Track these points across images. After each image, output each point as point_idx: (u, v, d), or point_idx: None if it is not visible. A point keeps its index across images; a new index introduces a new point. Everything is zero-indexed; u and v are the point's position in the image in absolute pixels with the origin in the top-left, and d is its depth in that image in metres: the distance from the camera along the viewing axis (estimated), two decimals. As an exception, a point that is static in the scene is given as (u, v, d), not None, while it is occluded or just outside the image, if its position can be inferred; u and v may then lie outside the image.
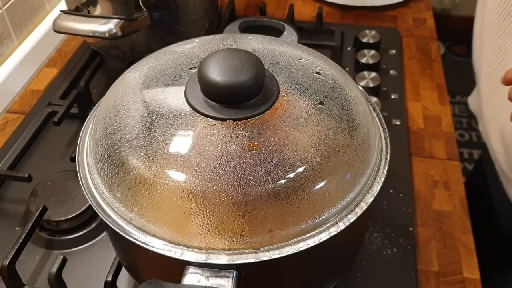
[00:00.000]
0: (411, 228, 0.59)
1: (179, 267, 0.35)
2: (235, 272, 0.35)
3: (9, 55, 0.82)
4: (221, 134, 0.36)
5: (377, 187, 0.39)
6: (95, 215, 0.59)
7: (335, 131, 0.38)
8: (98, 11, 0.70)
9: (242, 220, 0.34)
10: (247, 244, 0.35)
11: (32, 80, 0.83)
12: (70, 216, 0.58)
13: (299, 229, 0.35)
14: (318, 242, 0.35)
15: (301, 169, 0.35)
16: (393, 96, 0.77)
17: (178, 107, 0.38)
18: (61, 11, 0.67)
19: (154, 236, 0.36)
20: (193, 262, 0.35)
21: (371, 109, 0.45)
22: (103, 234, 0.59)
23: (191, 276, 0.35)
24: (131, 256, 0.44)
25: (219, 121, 0.37)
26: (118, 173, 0.37)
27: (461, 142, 1.86)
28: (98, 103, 0.45)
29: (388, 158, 0.41)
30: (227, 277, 0.35)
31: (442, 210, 0.62)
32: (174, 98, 0.39)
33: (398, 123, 0.72)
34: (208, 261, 0.35)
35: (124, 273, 0.51)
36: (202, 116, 0.37)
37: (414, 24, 0.95)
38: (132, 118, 0.39)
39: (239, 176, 0.34)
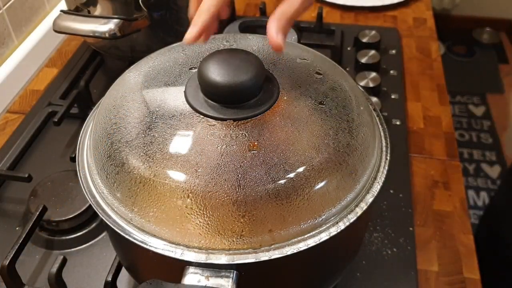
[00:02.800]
0: (411, 228, 0.59)
1: (179, 267, 0.35)
2: (235, 272, 0.35)
3: (9, 55, 0.82)
4: (221, 134, 0.36)
5: (377, 187, 0.39)
6: (95, 215, 0.59)
7: (335, 131, 0.38)
8: (98, 11, 0.70)
9: (242, 220, 0.34)
10: (247, 244, 0.35)
11: (32, 80, 0.83)
12: (70, 216, 0.58)
13: (299, 229, 0.35)
14: (318, 242, 0.35)
15: (301, 169, 0.35)
16: (393, 96, 0.77)
17: (178, 107, 0.38)
18: (61, 11, 0.67)
19: (154, 236, 0.36)
20: (193, 262, 0.35)
21: (371, 109, 0.45)
22: (103, 234, 0.59)
23: (191, 276, 0.35)
24: (131, 256, 0.44)
25: (219, 121, 0.37)
26: (118, 173, 0.37)
27: (461, 142, 1.86)
28: (98, 103, 0.45)
29: (388, 158, 0.41)
30: (227, 277, 0.35)
31: (442, 210, 0.62)
32: (174, 98, 0.39)
33: (398, 123, 0.72)
34: (208, 261, 0.35)
35: (124, 273, 0.51)
36: (202, 116, 0.37)
37: (414, 24, 0.95)
38: (132, 118, 0.39)
39: (239, 176, 0.34)
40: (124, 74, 0.45)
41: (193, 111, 0.38)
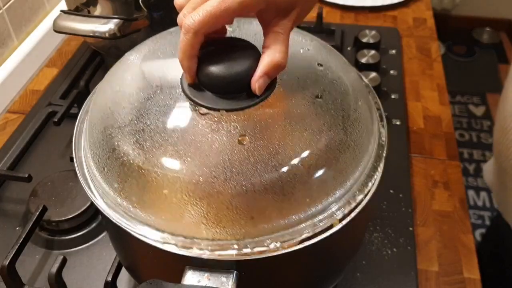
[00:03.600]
0: (411, 228, 0.59)
1: (179, 267, 0.35)
2: (235, 272, 0.35)
3: (9, 55, 0.82)
4: (212, 124, 0.36)
5: (369, 185, 0.38)
6: (95, 215, 0.59)
7: (329, 127, 0.37)
8: (98, 11, 0.70)
9: (225, 213, 0.34)
10: (230, 236, 0.34)
11: (32, 80, 0.83)
12: (70, 216, 0.58)
13: (283, 224, 0.35)
14: (315, 241, 0.35)
15: (289, 165, 0.35)
16: (393, 96, 0.77)
17: (173, 94, 0.38)
18: (61, 11, 0.67)
19: (140, 222, 0.36)
20: (192, 261, 0.35)
21: (373, 103, 0.44)
22: (103, 234, 0.59)
23: (191, 276, 0.35)
24: (131, 255, 0.44)
25: (211, 111, 0.36)
26: (108, 158, 0.37)
27: (461, 142, 1.86)
28: (97, 86, 0.45)
29: (385, 154, 0.40)
30: (227, 277, 0.35)
31: (442, 210, 0.62)
32: (170, 85, 0.39)
33: (398, 123, 0.72)
34: (210, 258, 0.34)
35: (124, 273, 0.51)
36: (195, 105, 0.37)
37: (414, 24, 0.95)
38: (126, 103, 0.39)
39: (226, 168, 0.34)
40: (124, 57, 0.44)
41: (187, 99, 0.37)
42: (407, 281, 0.54)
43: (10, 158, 0.67)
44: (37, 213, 0.56)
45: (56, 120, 0.69)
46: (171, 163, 0.35)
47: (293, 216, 0.35)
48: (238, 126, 0.36)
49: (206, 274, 0.35)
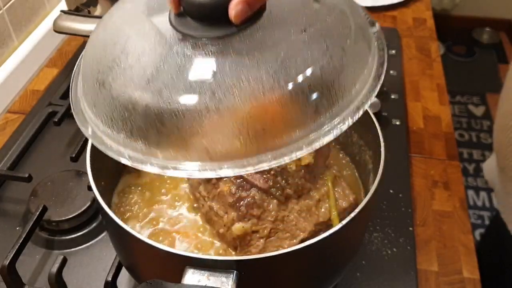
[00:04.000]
0: (411, 228, 0.59)
1: (179, 267, 0.35)
2: (235, 271, 0.35)
3: (9, 55, 0.82)
4: (186, 50, 0.35)
5: (340, 129, 0.35)
6: (95, 215, 0.59)
7: (306, 65, 0.35)
8: (98, 11, 0.70)
9: (181, 135, 0.34)
10: (183, 157, 0.34)
11: (32, 80, 0.83)
12: (70, 216, 0.58)
13: (241, 153, 0.34)
14: (315, 241, 0.35)
15: (253, 100, 0.34)
16: (393, 96, 0.77)
17: (159, 21, 0.38)
18: (62, 11, 0.67)
19: (111, 140, 0.36)
20: (192, 261, 0.35)
21: (375, 51, 0.40)
22: (103, 234, 0.59)
23: (191, 276, 0.35)
24: (131, 254, 0.44)
25: (187, 37, 0.35)
26: (84, 75, 0.38)
27: (461, 142, 1.86)
28: (102, 18, 0.44)
29: (370, 101, 0.37)
30: (227, 277, 0.35)
31: (442, 210, 0.62)
32: (160, 14, 0.38)
33: (398, 123, 0.72)
34: (209, 258, 0.35)
35: (124, 273, 0.51)
36: (176, 31, 0.36)
37: (414, 24, 0.95)
38: (119, 24, 0.39)
39: (189, 89, 0.34)
40: None
41: (171, 27, 0.37)
42: (407, 281, 0.54)
43: (10, 158, 0.67)
44: (37, 213, 0.56)
45: (56, 120, 0.69)
46: (137, 85, 0.35)
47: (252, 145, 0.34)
48: (210, 53, 0.34)
49: (206, 274, 0.35)
